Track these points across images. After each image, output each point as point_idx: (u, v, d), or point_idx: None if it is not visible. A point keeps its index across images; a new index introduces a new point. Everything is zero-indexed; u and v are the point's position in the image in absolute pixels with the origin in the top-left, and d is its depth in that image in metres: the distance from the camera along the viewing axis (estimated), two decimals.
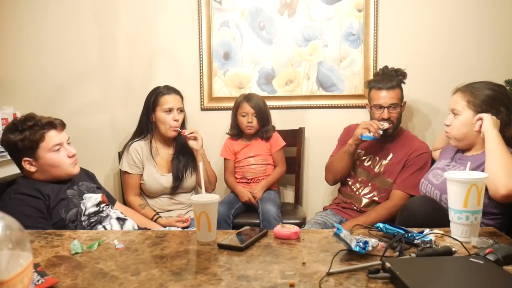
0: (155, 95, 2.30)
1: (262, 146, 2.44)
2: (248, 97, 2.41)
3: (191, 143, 2.22)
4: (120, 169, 2.38)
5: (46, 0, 2.65)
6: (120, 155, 2.49)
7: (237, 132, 2.47)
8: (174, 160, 2.32)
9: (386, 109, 2.13)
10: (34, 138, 1.59)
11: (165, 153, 2.34)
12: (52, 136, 1.63)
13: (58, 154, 1.63)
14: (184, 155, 2.32)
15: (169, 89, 2.31)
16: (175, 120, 2.25)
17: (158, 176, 2.29)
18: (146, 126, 2.32)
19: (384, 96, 2.14)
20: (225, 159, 2.49)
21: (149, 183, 2.28)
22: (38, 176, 1.64)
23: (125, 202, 2.42)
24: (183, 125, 2.35)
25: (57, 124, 1.66)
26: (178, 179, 2.29)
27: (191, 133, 2.20)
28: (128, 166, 2.28)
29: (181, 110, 2.30)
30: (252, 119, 2.38)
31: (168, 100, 2.26)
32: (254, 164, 2.42)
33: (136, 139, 2.32)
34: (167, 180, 2.28)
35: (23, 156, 1.62)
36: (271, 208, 2.24)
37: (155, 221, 2.14)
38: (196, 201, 1.33)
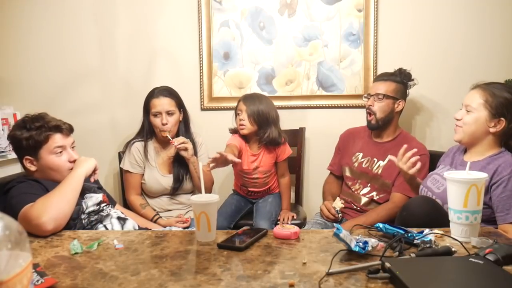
0: (147, 99, 2.30)
1: (269, 156, 2.31)
2: (246, 96, 2.30)
3: (182, 152, 2.18)
4: (121, 168, 2.38)
5: (46, 0, 2.65)
6: (120, 155, 2.49)
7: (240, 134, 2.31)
8: (174, 161, 2.31)
9: (371, 97, 2.21)
10: (38, 139, 1.61)
11: (166, 154, 2.34)
12: (56, 139, 1.64)
13: (60, 157, 1.64)
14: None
15: (159, 92, 2.27)
16: (163, 124, 2.22)
17: (159, 176, 2.29)
18: (146, 127, 2.32)
19: (372, 86, 2.26)
20: (228, 145, 2.25)
21: (150, 183, 2.28)
22: (38, 175, 1.65)
23: (125, 202, 2.42)
24: (186, 126, 2.34)
25: (63, 129, 1.66)
26: (178, 181, 2.29)
27: (180, 144, 2.16)
28: (130, 165, 2.28)
29: (172, 113, 2.25)
30: (244, 117, 2.21)
31: (156, 104, 2.24)
32: (257, 177, 2.33)
33: (138, 139, 2.32)
34: (167, 180, 2.28)
35: (26, 154, 1.64)
36: (264, 226, 2.14)
37: (155, 221, 2.14)
38: (196, 201, 1.33)
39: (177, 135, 2.32)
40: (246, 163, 2.28)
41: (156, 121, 2.24)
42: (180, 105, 2.31)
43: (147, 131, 2.32)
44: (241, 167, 2.28)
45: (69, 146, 1.68)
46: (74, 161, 1.68)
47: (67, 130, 1.68)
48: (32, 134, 1.61)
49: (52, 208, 1.43)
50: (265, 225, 2.16)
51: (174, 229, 1.86)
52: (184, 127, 2.34)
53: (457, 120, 1.74)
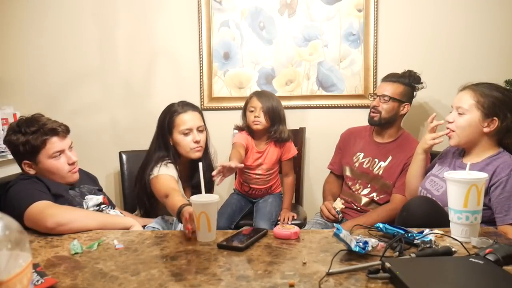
0: (170, 116, 1.96)
1: (274, 154, 2.31)
2: (258, 92, 2.30)
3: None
4: (150, 179, 1.89)
5: (46, 0, 2.65)
6: (120, 155, 2.49)
7: (248, 131, 2.29)
8: (192, 189, 2.05)
9: (377, 98, 2.19)
10: (35, 144, 1.59)
11: (186, 182, 2.05)
12: (54, 143, 1.62)
13: (58, 160, 1.63)
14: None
15: (185, 106, 1.97)
16: (195, 141, 1.93)
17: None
18: (170, 152, 1.95)
19: (380, 86, 2.24)
20: (235, 143, 2.23)
21: None
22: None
23: (125, 204, 2.41)
24: (206, 147, 2.03)
25: (60, 131, 1.64)
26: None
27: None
28: (172, 172, 1.89)
29: (201, 129, 1.97)
30: (259, 113, 2.20)
31: (185, 120, 1.93)
32: (260, 175, 2.31)
33: (167, 160, 1.92)
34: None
35: (24, 159, 1.62)
36: (264, 226, 2.12)
37: (179, 211, 1.57)
38: (196, 201, 1.33)
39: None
40: (251, 160, 2.28)
41: (186, 140, 1.92)
42: (204, 121, 2.03)
43: (172, 153, 1.95)
44: (245, 163, 2.27)
45: (67, 148, 1.66)
46: (73, 163, 1.67)
47: (64, 132, 1.66)
48: (28, 139, 1.59)
49: (68, 215, 1.43)
50: (265, 226, 2.15)
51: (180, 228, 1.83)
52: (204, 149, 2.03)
53: (449, 122, 1.71)
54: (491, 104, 1.63)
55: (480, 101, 1.64)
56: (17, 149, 1.61)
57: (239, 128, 2.33)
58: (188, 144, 1.93)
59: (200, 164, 1.51)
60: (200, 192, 1.43)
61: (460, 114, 1.68)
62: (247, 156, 2.27)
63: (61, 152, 1.64)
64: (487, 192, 1.56)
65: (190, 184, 2.05)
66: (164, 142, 1.97)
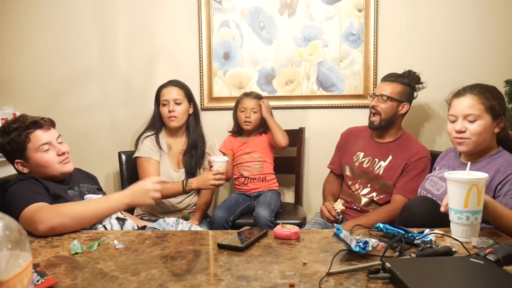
0: (158, 90, 2.35)
1: (260, 141, 2.45)
2: (247, 93, 2.48)
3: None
4: (136, 159, 2.30)
5: (46, 0, 2.65)
6: (120, 155, 2.49)
7: (237, 129, 2.50)
8: (186, 155, 2.33)
9: (376, 98, 2.18)
10: (20, 140, 1.58)
11: (177, 147, 2.35)
12: (38, 136, 1.60)
13: (47, 153, 1.61)
14: (196, 151, 2.34)
15: (168, 82, 2.34)
16: (170, 111, 2.26)
17: (172, 171, 2.29)
18: (157, 119, 2.35)
19: (379, 86, 2.25)
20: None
21: (163, 178, 2.20)
22: (34, 175, 1.64)
23: None
24: (196, 120, 2.39)
25: (43, 123, 1.62)
26: (190, 175, 2.28)
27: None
28: (147, 152, 2.26)
29: (179, 102, 2.29)
30: (250, 114, 2.41)
31: (164, 93, 2.30)
32: (249, 161, 2.43)
33: (149, 132, 2.32)
34: (180, 176, 2.27)
35: (14, 158, 1.62)
36: (263, 213, 2.20)
37: (186, 187, 2.11)
38: (223, 159, 2.03)
39: (186, 128, 2.36)
40: (238, 152, 2.47)
41: (164, 110, 2.29)
42: (189, 97, 2.35)
43: (158, 123, 2.34)
44: (236, 156, 2.49)
45: (55, 140, 1.64)
46: (63, 154, 1.64)
47: (47, 123, 1.64)
48: (12, 137, 1.58)
49: (59, 218, 1.40)
50: (266, 212, 2.21)
51: (185, 226, 1.85)
52: (194, 121, 2.37)
53: (461, 132, 1.63)
54: (498, 104, 1.63)
55: (487, 104, 1.63)
56: (4, 149, 1.61)
57: (232, 132, 2.53)
58: (165, 113, 2.29)
59: (215, 139, 2.20)
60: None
61: (471, 121, 1.62)
62: (236, 149, 2.49)
63: (49, 144, 1.61)
64: (494, 193, 1.56)
65: (188, 145, 2.36)
66: (154, 112, 2.37)
